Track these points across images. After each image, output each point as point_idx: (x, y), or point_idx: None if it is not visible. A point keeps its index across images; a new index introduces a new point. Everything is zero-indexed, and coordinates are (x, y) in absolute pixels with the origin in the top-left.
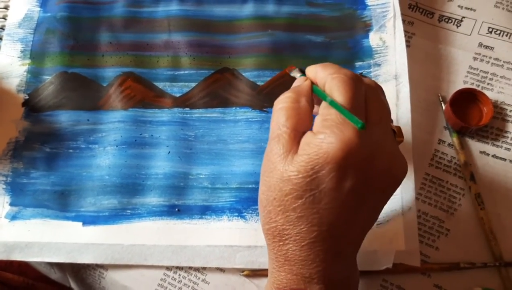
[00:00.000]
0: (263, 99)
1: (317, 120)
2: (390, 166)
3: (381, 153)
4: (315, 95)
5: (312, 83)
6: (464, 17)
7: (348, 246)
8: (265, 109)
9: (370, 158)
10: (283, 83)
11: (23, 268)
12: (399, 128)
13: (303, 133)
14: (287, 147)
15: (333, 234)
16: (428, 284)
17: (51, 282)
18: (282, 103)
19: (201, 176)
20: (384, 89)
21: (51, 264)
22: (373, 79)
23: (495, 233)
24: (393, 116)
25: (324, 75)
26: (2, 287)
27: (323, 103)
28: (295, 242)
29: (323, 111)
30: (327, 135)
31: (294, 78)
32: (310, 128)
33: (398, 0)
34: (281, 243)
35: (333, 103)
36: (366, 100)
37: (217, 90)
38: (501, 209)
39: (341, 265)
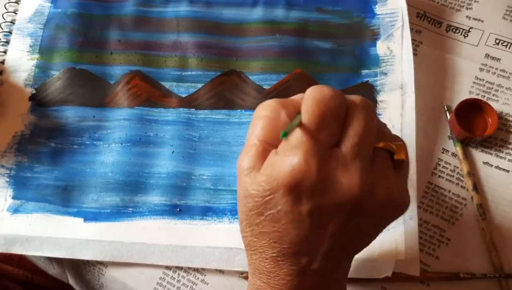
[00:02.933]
0: None
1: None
2: (362, 192)
3: (343, 177)
4: None
5: None
6: (471, 28)
7: (319, 263)
8: None
9: (327, 182)
10: (289, 87)
11: (23, 262)
12: (399, 146)
13: (276, 148)
14: (253, 161)
15: (295, 251)
16: None
17: (50, 277)
18: (263, 111)
19: (204, 177)
20: (390, 98)
21: (50, 259)
22: (377, 92)
23: (496, 244)
24: (397, 126)
25: (303, 95)
26: (2, 279)
27: None
28: (260, 254)
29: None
30: (281, 159)
31: (299, 83)
32: None
33: (407, 10)
34: (251, 253)
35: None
36: (346, 120)
37: (223, 92)
38: (503, 220)
39: (311, 281)
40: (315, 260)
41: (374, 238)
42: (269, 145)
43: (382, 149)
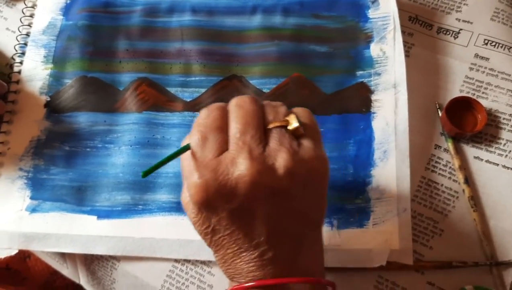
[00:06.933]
0: None
1: None
2: (257, 175)
3: (235, 173)
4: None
5: None
6: (461, 29)
7: (272, 252)
8: None
9: (225, 186)
10: (288, 90)
11: None
12: (290, 116)
13: None
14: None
15: (245, 248)
16: (422, 281)
17: None
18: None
19: None
20: (383, 97)
21: (64, 259)
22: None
23: (486, 233)
24: (391, 123)
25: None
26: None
27: None
28: (225, 250)
29: None
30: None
31: (298, 86)
32: None
33: (398, 14)
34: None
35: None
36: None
37: (225, 96)
38: (493, 211)
39: (273, 271)
40: (266, 250)
41: (316, 212)
42: None
43: (274, 128)
